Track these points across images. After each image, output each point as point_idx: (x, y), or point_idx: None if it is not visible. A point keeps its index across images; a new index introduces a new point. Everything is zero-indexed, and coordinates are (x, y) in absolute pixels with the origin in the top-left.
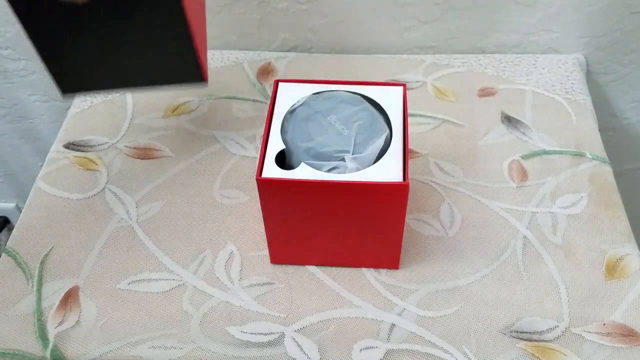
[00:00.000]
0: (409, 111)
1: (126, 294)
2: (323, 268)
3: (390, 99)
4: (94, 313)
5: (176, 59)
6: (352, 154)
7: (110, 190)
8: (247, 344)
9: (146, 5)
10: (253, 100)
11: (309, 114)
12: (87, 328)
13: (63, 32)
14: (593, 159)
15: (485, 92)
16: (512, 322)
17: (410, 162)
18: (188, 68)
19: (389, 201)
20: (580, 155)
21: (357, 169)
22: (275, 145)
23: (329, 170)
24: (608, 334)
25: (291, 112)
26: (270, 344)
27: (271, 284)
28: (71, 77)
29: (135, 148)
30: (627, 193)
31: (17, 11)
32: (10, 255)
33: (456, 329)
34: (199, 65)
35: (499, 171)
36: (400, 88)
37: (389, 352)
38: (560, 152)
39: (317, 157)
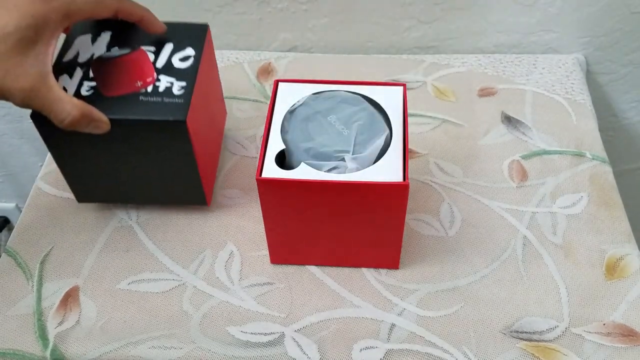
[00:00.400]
0: (409, 111)
1: (126, 294)
2: (323, 268)
3: (390, 99)
4: (94, 313)
5: (183, 185)
6: (352, 154)
7: None
8: (247, 344)
9: (158, 139)
10: (253, 100)
11: (309, 114)
12: (87, 328)
13: (82, 153)
14: (593, 159)
15: (485, 92)
16: (512, 322)
17: (410, 162)
18: (193, 194)
19: (389, 201)
20: (580, 155)
21: (357, 169)
22: (275, 145)
23: (329, 170)
24: (608, 334)
25: (291, 112)
26: (270, 344)
27: (271, 284)
28: (87, 190)
29: None
30: (627, 193)
31: (41, 132)
32: (10, 255)
33: (456, 329)
34: (203, 193)
35: (499, 171)
36: (400, 88)
37: (389, 352)
38: (560, 152)
39: (317, 157)
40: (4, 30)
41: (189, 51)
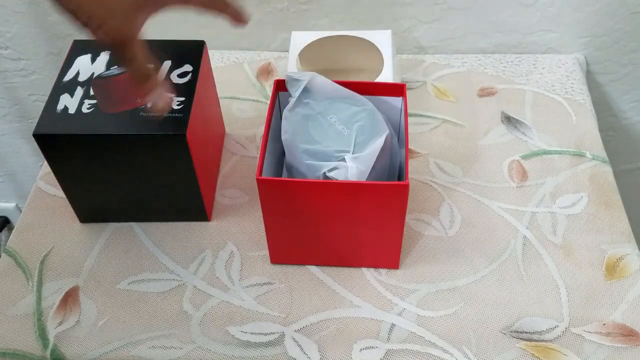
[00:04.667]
0: (409, 111)
1: (126, 294)
2: (323, 268)
3: (379, 40)
4: (94, 313)
5: (183, 201)
6: (352, 154)
7: None
8: (247, 344)
9: (159, 153)
10: (253, 100)
11: (309, 114)
12: (87, 328)
13: (85, 172)
14: (593, 158)
15: (485, 92)
16: (512, 322)
17: (410, 162)
18: (194, 209)
19: (389, 201)
20: (580, 155)
21: (358, 169)
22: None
23: (330, 171)
24: (608, 334)
25: (291, 111)
26: (270, 343)
27: (271, 284)
28: (90, 210)
29: None
30: (627, 193)
31: (44, 152)
32: (10, 255)
33: (456, 329)
34: (204, 208)
35: (499, 171)
36: (388, 32)
37: (389, 352)
38: (560, 152)
39: (317, 157)
40: None
41: (187, 67)
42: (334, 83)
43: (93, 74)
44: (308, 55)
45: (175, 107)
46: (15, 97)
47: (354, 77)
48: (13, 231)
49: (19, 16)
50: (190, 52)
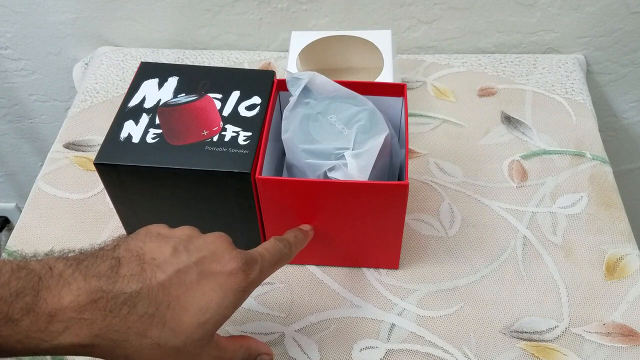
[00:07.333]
0: (409, 111)
1: None
2: (323, 268)
3: (380, 40)
4: None
5: (241, 238)
6: (352, 150)
7: None
8: None
9: (222, 189)
10: None
11: (309, 113)
12: None
13: (145, 202)
14: (593, 159)
15: (485, 92)
16: (512, 322)
17: (410, 162)
18: (252, 247)
19: (389, 201)
20: (580, 155)
21: (358, 166)
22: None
23: (330, 170)
24: (608, 334)
25: (291, 111)
26: (270, 344)
27: (271, 284)
28: None
29: None
30: (627, 193)
31: (103, 179)
32: (10, 255)
33: (456, 329)
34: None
35: (499, 171)
36: (388, 31)
37: (389, 352)
38: (560, 152)
39: (317, 156)
40: (205, 316)
41: (255, 99)
42: (335, 83)
43: (160, 100)
44: (308, 55)
45: (242, 143)
46: (15, 97)
47: (354, 77)
48: (13, 231)
49: (19, 16)
50: (259, 83)
